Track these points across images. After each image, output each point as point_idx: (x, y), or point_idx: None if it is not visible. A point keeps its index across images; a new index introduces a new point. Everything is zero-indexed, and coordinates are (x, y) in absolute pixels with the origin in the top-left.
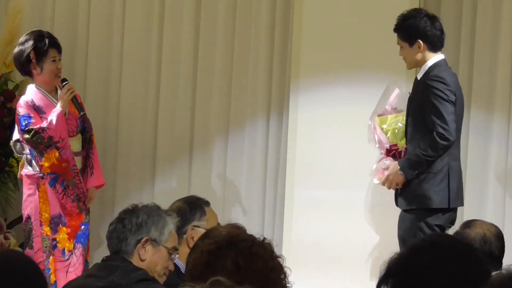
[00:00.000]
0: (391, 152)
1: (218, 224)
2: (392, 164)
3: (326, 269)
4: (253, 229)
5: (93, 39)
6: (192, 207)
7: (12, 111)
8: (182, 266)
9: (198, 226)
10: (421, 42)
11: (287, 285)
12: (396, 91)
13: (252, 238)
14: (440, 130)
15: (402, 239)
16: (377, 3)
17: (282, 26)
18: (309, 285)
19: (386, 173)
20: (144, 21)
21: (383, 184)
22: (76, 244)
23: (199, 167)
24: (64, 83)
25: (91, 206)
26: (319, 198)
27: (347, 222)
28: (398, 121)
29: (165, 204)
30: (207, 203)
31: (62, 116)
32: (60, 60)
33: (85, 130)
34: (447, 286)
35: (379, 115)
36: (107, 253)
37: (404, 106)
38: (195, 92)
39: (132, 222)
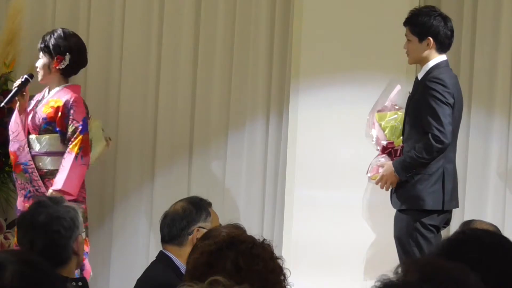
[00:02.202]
0: (387, 149)
1: (220, 225)
2: (387, 165)
3: (326, 269)
4: (253, 229)
5: (93, 39)
6: (198, 208)
7: (12, 111)
8: (182, 266)
9: (204, 228)
10: (431, 39)
11: (287, 286)
12: (397, 88)
13: (252, 239)
14: (436, 132)
15: (398, 239)
16: (377, 3)
17: (282, 26)
18: (309, 284)
19: (381, 172)
20: (144, 21)
21: (377, 183)
22: None
23: (199, 167)
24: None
25: (92, 205)
26: (319, 198)
27: (347, 222)
28: (397, 119)
29: (165, 204)
30: (209, 204)
31: (17, 111)
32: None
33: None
34: (492, 280)
35: (379, 111)
36: (108, 254)
37: (404, 103)
38: (195, 92)
39: (65, 226)
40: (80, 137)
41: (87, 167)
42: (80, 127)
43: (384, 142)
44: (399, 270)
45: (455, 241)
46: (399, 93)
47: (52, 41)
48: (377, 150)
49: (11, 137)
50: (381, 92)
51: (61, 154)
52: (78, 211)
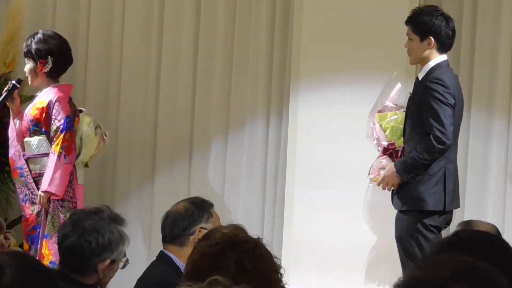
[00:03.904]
0: (388, 151)
1: (221, 226)
2: (389, 165)
3: (326, 269)
4: (253, 229)
5: (93, 39)
6: (200, 208)
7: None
8: (183, 266)
9: (205, 228)
10: (432, 39)
11: (285, 285)
12: (398, 86)
13: (252, 239)
14: (437, 133)
15: (399, 239)
16: (377, 3)
17: (282, 26)
18: (309, 284)
19: (382, 174)
20: (144, 21)
21: (378, 184)
22: (32, 246)
23: (199, 167)
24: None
25: (92, 205)
26: (319, 198)
27: (347, 222)
28: (397, 120)
29: (165, 204)
30: (211, 205)
31: (11, 116)
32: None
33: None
34: None
35: (379, 111)
36: None
37: (404, 103)
38: (195, 92)
39: (98, 242)
40: (61, 136)
41: (71, 165)
42: (62, 126)
43: (385, 143)
44: (422, 264)
45: (449, 243)
46: (399, 92)
47: (33, 45)
48: (378, 151)
49: (9, 143)
50: (381, 91)
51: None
52: (126, 240)
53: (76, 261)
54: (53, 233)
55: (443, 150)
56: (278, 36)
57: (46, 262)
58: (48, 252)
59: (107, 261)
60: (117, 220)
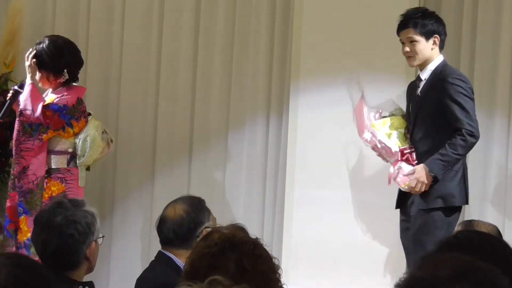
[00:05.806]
0: (404, 155)
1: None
2: (419, 167)
3: (326, 269)
4: (253, 229)
5: (93, 39)
6: (200, 209)
7: (13, 112)
8: (183, 265)
9: (209, 227)
10: (438, 37)
11: (283, 285)
12: (362, 100)
13: (252, 239)
14: (469, 127)
15: (416, 239)
16: (377, 3)
17: (282, 27)
18: (308, 284)
19: (414, 176)
20: (144, 21)
21: (412, 189)
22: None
23: (199, 167)
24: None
25: (91, 205)
26: (319, 198)
27: (347, 222)
28: (394, 125)
29: (165, 204)
30: (204, 201)
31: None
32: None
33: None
34: None
35: (371, 122)
36: (108, 253)
37: (385, 106)
38: (194, 92)
39: (79, 231)
40: (51, 112)
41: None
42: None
43: (397, 148)
44: (423, 264)
45: (448, 244)
46: (364, 99)
47: (47, 59)
48: (386, 159)
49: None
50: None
51: (60, 153)
52: (97, 217)
53: (67, 258)
54: (34, 211)
55: (474, 143)
56: (278, 36)
57: (23, 238)
58: (27, 229)
59: (93, 244)
60: (78, 203)
